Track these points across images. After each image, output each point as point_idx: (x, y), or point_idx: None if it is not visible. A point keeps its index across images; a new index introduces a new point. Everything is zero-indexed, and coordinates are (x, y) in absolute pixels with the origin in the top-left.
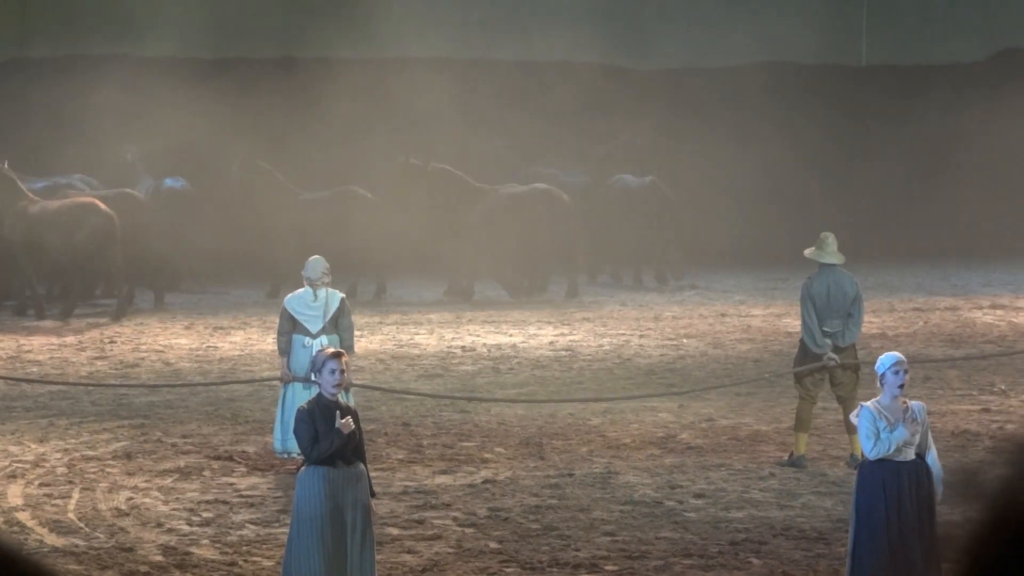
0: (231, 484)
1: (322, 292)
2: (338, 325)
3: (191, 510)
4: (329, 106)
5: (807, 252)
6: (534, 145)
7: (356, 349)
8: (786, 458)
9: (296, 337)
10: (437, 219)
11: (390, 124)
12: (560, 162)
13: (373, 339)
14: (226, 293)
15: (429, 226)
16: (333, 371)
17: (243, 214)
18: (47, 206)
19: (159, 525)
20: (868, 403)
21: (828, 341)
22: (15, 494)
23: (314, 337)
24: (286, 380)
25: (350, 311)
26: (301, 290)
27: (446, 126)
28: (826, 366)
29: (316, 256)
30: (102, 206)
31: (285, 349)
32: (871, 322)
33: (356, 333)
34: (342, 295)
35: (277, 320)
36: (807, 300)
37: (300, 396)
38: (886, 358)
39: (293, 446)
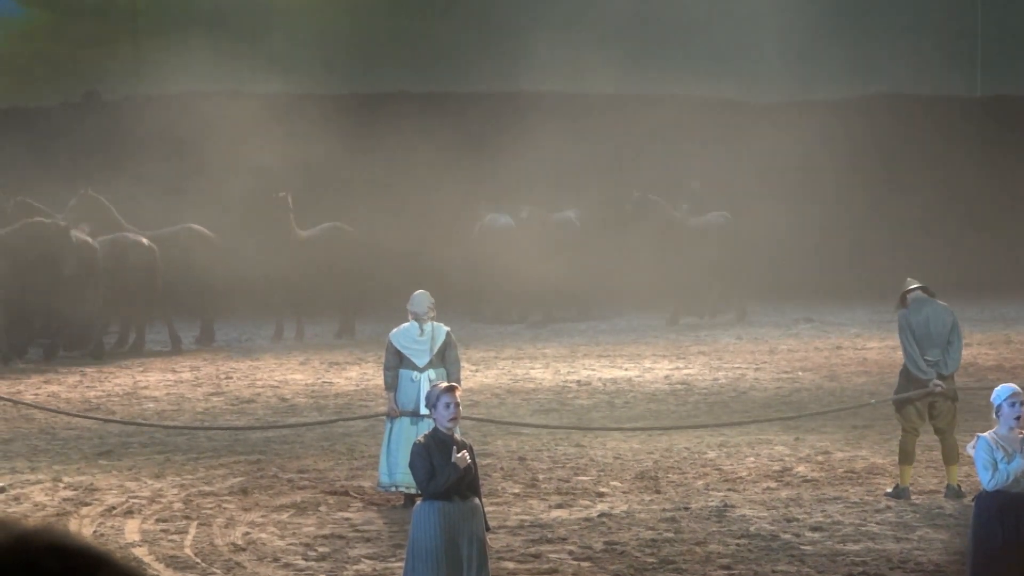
0: (347, 519)
1: (428, 326)
2: (444, 359)
3: (307, 545)
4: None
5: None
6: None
7: (471, 383)
8: (890, 489)
9: (403, 371)
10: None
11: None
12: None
13: (488, 373)
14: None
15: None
16: (448, 405)
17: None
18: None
19: (275, 560)
20: (985, 433)
21: (932, 370)
22: (132, 530)
23: (421, 371)
24: (393, 415)
25: (456, 345)
26: (407, 324)
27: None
28: (932, 392)
29: (421, 291)
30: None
31: (392, 384)
32: (987, 354)
33: (471, 367)
34: (447, 329)
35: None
36: (906, 330)
37: (406, 430)
38: (1002, 390)
39: (400, 479)
